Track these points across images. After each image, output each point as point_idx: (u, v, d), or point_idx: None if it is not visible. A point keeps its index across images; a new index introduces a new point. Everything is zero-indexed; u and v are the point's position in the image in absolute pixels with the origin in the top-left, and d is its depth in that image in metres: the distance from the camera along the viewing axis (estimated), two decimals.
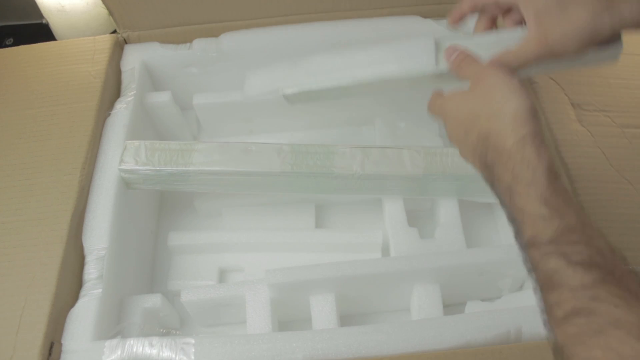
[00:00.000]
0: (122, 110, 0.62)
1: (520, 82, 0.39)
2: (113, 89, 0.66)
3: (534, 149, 0.35)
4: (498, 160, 0.36)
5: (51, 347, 0.45)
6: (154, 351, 0.45)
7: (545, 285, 0.32)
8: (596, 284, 0.30)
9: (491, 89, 0.39)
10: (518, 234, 0.35)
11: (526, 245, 0.34)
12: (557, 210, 0.33)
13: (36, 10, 0.80)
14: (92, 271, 0.51)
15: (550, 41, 0.39)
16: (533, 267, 0.33)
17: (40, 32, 0.86)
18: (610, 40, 0.39)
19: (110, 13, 0.68)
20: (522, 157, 0.35)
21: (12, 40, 0.93)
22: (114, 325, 0.51)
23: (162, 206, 0.71)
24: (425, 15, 0.70)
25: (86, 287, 0.50)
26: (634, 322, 0.27)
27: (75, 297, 0.50)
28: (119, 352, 0.45)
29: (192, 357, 0.45)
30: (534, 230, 0.33)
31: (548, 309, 0.31)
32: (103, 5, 0.68)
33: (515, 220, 0.35)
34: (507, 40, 0.42)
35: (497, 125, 0.37)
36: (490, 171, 0.37)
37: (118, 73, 0.68)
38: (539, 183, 0.34)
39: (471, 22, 0.47)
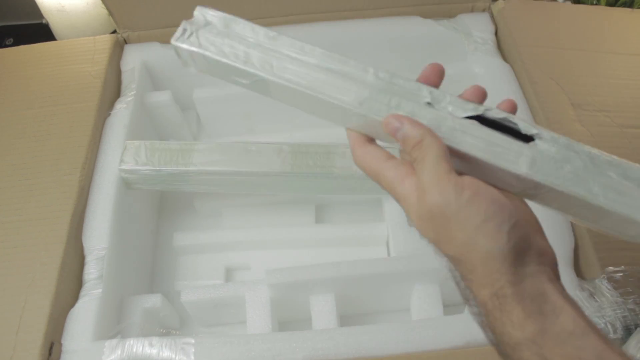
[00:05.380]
0: (122, 110, 0.62)
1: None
2: (113, 89, 0.66)
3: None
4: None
5: (51, 347, 0.45)
6: (154, 351, 0.45)
7: None
8: None
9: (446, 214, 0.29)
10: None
11: None
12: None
13: (36, 10, 0.80)
14: (92, 271, 0.51)
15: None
16: None
17: (40, 32, 0.86)
18: None
19: (110, 13, 0.68)
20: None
21: (12, 40, 0.93)
22: (114, 325, 0.51)
23: (162, 206, 0.71)
24: (425, 16, 0.70)
25: (86, 287, 0.50)
26: None
27: (75, 297, 0.50)
28: (119, 352, 0.45)
29: (192, 357, 0.45)
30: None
31: None
32: (103, 5, 0.68)
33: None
34: None
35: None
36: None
37: (118, 73, 0.68)
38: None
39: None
